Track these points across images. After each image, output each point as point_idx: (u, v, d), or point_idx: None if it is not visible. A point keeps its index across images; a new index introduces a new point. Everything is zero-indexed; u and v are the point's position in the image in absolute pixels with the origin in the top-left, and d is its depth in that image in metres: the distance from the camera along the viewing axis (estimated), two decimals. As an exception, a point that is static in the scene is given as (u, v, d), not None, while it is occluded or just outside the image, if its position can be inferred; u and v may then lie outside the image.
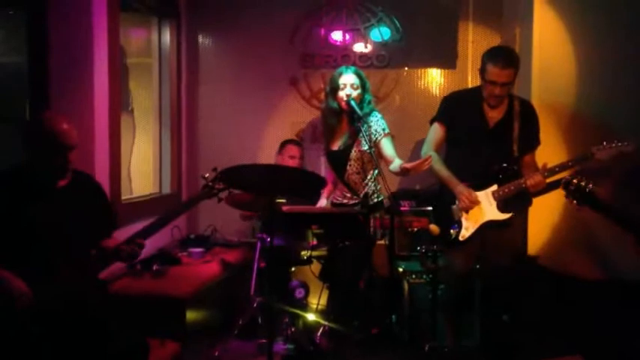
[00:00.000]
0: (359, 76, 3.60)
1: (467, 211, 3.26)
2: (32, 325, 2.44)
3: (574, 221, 3.64)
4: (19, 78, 3.52)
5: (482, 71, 3.26)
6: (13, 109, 3.54)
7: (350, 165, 3.64)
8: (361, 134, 3.45)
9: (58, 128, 2.59)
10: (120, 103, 3.97)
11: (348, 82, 3.55)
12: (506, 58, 3.21)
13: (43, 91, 3.53)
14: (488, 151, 3.31)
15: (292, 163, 4.32)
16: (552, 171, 3.18)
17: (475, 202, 3.25)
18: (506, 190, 3.23)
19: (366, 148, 3.51)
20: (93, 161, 3.58)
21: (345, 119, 3.65)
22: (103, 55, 3.68)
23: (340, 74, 3.58)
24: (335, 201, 3.76)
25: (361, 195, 3.63)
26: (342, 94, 3.55)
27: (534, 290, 3.52)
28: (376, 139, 3.57)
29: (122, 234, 2.87)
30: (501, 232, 3.29)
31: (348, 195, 3.70)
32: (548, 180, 3.18)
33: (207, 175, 2.96)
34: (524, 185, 3.18)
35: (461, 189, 3.28)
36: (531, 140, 3.38)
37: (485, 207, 3.27)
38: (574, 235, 3.64)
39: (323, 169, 4.07)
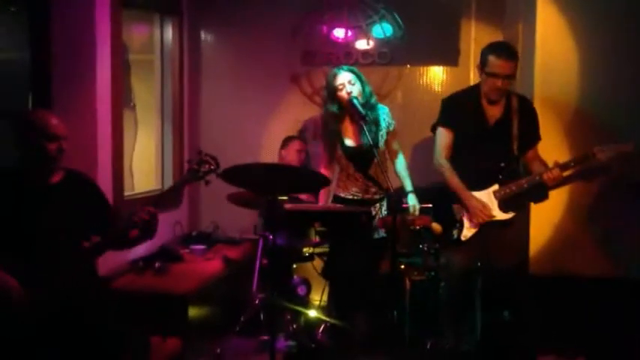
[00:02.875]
0: (352, 71, 3.63)
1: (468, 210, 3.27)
2: (28, 323, 2.44)
3: (576, 219, 3.63)
4: (22, 74, 3.53)
5: (484, 65, 3.27)
6: (16, 105, 3.53)
7: (376, 160, 3.63)
8: (366, 131, 3.44)
9: (45, 119, 2.63)
10: (122, 99, 3.98)
11: (344, 80, 3.56)
12: (509, 50, 3.25)
13: (45, 87, 3.54)
14: (488, 150, 3.32)
15: (299, 156, 4.45)
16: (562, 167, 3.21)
17: (491, 217, 3.25)
18: (508, 190, 3.25)
19: (366, 141, 3.53)
20: (96, 157, 3.59)
21: (349, 116, 3.66)
22: (105, 51, 3.68)
23: (335, 76, 3.59)
24: (353, 197, 3.72)
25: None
26: (342, 94, 3.56)
27: (536, 289, 3.51)
28: (387, 132, 3.68)
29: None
30: (504, 231, 3.30)
31: (373, 190, 3.71)
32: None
33: (192, 159, 2.93)
34: (540, 179, 3.19)
35: (475, 203, 3.27)
36: (531, 137, 3.39)
37: None
38: (576, 233, 3.64)
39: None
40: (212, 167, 2.83)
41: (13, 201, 2.61)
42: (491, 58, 3.22)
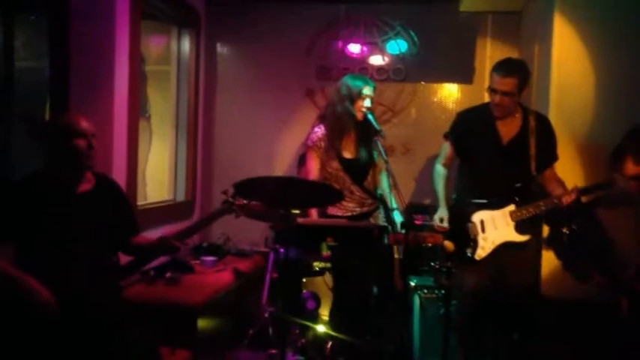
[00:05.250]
0: (374, 90, 3.70)
1: (484, 230, 3.26)
2: (54, 331, 2.45)
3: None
4: (41, 82, 3.56)
5: (489, 80, 3.32)
6: (34, 113, 3.57)
7: (370, 174, 3.74)
8: (380, 146, 3.46)
9: (72, 118, 2.66)
10: (139, 109, 4.00)
11: (369, 94, 3.59)
12: (509, 67, 3.26)
13: (63, 95, 3.57)
14: (503, 169, 3.31)
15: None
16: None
17: (441, 228, 3.42)
18: (525, 212, 3.22)
19: (383, 158, 3.53)
20: (111, 166, 3.62)
21: (356, 128, 3.67)
22: (123, 61, 3.72)
23: (364, 85, 3.60)
24: (352, 213, 3.72)
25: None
26: (361, 104, 3.58)
27: (547, 312, 3.48)
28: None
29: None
30: (518, 253, 3.28)
31: (369, 202, 3.72)
32: None
33: (227, 190, 2.97)
34: (558, 202, 3.16)
35: (438, 215, 3.48)
36: (549, 156, 3.38)
37: (503, 227, 3.25)
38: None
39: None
40: (245, 201, 2.93)
41: (43, 207, 2.60)
42: (492, 74, 3.29)
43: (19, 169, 3.34)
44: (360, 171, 3.73)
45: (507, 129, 3.37)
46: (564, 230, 3.16)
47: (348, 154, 3.72)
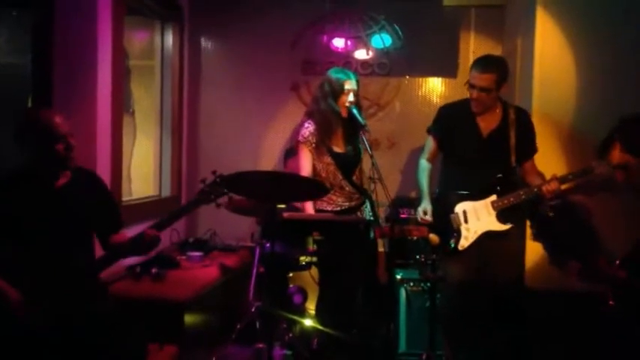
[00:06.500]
0: (357, 83, 3.67)
1: (467, 221, 3.30)
2: (29, 333, 2.43)
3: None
4: (23, 79, 3.53)
5: (469, 75, 3.38)
6: (17, 109, 3.53)
7: (358, 169, 3.75)
8: (365, 141, 3.46)
9: (48, 120, 2.58)
10: (122, 105, 3.98)
11: (352, 88, 3.58)
12: (486, 63, 3.34)
13: (46, 91, 3.54)
14: (484, 162, 3.37)
15: None
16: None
17: (425, 222, 3.43)
18: (505, 201, 3.28)
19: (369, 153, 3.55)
20: (95, 162, 3.59)
21: (342, 123, 3.67)
22: (106, 57, 3.69)
23: (346, 80, 3.59)
24: (341, 207, 3.73)
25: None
26: (345, 99, 3.57)
27: (532, 303, 3.52)
28: None
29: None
30: (501, 242, 3.32)
31: (356, 196, 3.73)
32: None
33: (206, 179, 2.82)
34: (538, 192, 3.21)
35: (421, 207, 3.50)
36: (528, 148, 3.44)
37: (485, 217, 3.31)
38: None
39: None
40: (225, 190, 2.78)
41: (20, 204, 2.57)
42: (471, 69, 3.36)
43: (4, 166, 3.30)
44: (350, 165, 3.74)
45: (487, 123, 3.43)
46: (548, 213, 3.19)
47: (337, 150, 3.72)
